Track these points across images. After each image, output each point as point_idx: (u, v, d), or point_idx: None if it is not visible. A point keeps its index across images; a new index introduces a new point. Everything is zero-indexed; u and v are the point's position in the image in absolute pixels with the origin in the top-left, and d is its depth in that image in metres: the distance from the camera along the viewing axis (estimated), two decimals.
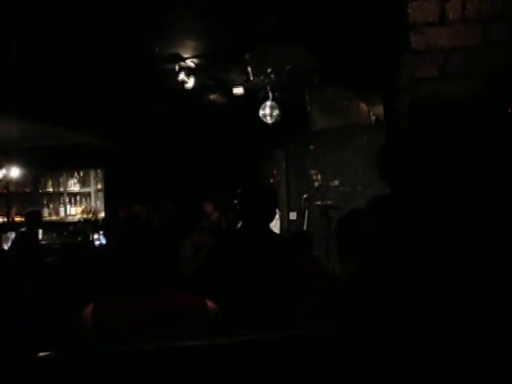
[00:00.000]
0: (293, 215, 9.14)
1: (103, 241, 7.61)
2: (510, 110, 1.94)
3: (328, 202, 8.13)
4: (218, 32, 5.42)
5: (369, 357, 1.77)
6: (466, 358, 1.88)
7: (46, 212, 9.75)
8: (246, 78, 6.56)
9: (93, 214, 9.74)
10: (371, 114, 7.91)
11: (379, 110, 6.61)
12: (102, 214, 9.56)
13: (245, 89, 7.12)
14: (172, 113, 7.99)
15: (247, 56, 6.14)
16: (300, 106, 7.76)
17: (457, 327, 1.91)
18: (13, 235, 8.09)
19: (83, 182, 10.00)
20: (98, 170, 9.82)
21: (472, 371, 1.86)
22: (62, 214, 9.96)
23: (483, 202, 1.94)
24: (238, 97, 7.26)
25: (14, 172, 9.52)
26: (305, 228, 7.79)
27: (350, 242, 2.28)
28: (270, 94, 7.43)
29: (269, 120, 7.47)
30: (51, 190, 10.12)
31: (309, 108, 7.89)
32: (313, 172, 9.12)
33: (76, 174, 9.99)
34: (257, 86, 7.12)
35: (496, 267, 1.92)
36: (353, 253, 2.25)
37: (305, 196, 8.27)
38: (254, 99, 7.45)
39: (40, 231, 8.22)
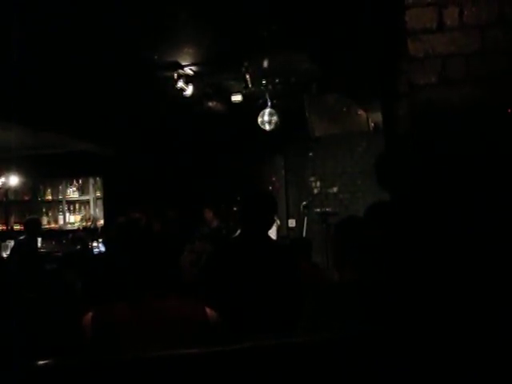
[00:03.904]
0: (292, 222, 9.13)
1: (102, 248, 7.60)
2: (510, 110, 1.94)
3: (327, 209, 8.14)
4: (216, 40, 5.44)
5: (369, 365, 1.76)
6: (462, 367, 1.88)
7: (44, 220, 9.74)
8: (244, 85, 6.58)
9: (92, 221, 9.73)
10: (370, 121, 7.94)
11: (378, 116, 6.64)
12: (101, 222, 9.55)
13: (243, 96, 7.14)
14: (171, 120, 8.00)
15: (246, 63, 6.15)
16: (299, 112, 7.78)
17: (458, 336, 1.91)
18: (12, 243, 8.09)
19: (82, 190, 9.99)
20: (97, 178, 9.81)
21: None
22: (61, 221, 9.95)
23: (485, 208, 1.94)
24: (237, 104, 7.28)
25: (13, 180, 9.53)
26: (304, 235, 7.78)
27: (349, 249, 2.27)
28: (269, 101, 7.44)
29: (267, 127, 7.47)
30: (50, 197, 10.12)
31: (307, 115, 7.91)
32: (312, 179, 9.13)
33: (75, 181, 9.98)
34: (255, 93, 7.13)
35: (497, 272, 1.92)
36: (351, 260, 2.25)
37: (304, 203, 8.28)
38: (252, 106, 7.46)
39: (39, 239, 8.21)
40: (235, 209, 7.72)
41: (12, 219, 9.99)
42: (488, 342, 1.89)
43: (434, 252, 1.97)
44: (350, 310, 2.06)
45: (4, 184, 9.58)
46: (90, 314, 1.99)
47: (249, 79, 6.44)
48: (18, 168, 9.26)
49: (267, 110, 7.44)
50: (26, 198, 10.14)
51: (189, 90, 6.44)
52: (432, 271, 1.96)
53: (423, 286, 1.97)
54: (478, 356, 1.87)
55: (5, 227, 9.90)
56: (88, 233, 8.77)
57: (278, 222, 8.09)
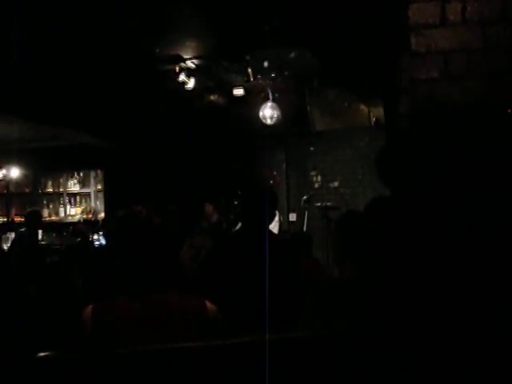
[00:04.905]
0: (292, 216, 9.14)
1: (103, 241, 7.60)
2: (510, 110, 1.94)
3: (328, 204, 8.13)
4: (218, 33, 5.43)
5: (369, 363, 1.76)
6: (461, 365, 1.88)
7: (45, 212, 9.75)
8: (246, 79, 6.56)
9: (92, 214, 9.74)
10: (371, 116, 7.93)
11: (379, 111, 6.63)
12: (102, 215, 9.56)
13: (245, 90, 7.13)
14: (172, 113, 7.99)
15: (248, 57, 6.14)
16: (300, 107, 7.77)
17: (459, 334, 1.91)
18: (12, 235, 8.10)
19: (83, 183, 10.01)
20: (98, 171, 9.82)
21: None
22: (62, 214, 9.97)
23: (485, 203, 1.94)
24: (239, 98, 7.27)
25: (14, 172, 9.54)
26: (304, 229, 7.78)
27: (349, 245, 2.27)
28: (270, 95, 7.43)
29: (269, 121, 7.46)
30: (51, 190, 10.13)
31: (309, 109, 7.90)
32: (313, 173, 9.12)
33: (76, 174, 9.99)
34: (257, 87, 7.12)
35: (497, 269, 1.92)
36: (352, 256, 2.24)
37: (305, 197, 8.27)
38: (254, 100, 7.45)
39: (40, 232, 8.22)
40: (235, 203, 7.72)
41: (13, 211, 10.01)
42: (488, 341, 1.89)
43: (434, 249, 1.96)
44: (350, 308, 2.06)
45: (5, 176, 9.59)
46: (90, 308, 1.98)
47: (250, 73, 6.43)
48: (19, 160, 9.27)
49: (269, 104, 7.43)
50: (27, 191, 10.16)
51: (191, 84, 6.43)
52: (432, 268, 1.96)
53: (423, 283, 1.97)
54: (477, 355, 1.87)
55: (6, 219, 9.91)
56: (89, 225, 8.77)
57: (281, 218, 8.10)
